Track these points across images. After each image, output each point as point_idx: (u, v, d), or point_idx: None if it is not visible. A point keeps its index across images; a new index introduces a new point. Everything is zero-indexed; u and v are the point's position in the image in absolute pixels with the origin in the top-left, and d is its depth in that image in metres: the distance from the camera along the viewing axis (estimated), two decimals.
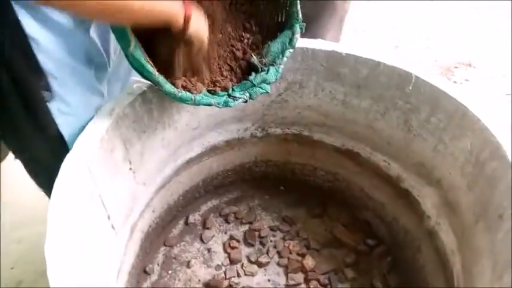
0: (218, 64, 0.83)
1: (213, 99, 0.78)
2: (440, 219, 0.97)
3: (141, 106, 0.83)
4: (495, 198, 0.79)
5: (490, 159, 0.80)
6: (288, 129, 1.15)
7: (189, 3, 0.66)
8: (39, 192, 1.20)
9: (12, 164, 1.29)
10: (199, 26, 0.69)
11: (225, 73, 0.84)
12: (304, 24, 0.83)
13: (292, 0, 0.82)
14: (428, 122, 0.93)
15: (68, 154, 0.69)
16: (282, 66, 0.84)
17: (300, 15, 0.83)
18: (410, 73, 0.91)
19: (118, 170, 0.83)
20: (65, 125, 0.72)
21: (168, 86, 0.71)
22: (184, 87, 0.76)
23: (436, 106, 0.90)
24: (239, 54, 0.86)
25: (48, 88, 0.66)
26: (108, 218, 0.82)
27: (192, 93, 0.76)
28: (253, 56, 0.84)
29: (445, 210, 0.95)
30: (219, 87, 0.81)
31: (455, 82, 2.06)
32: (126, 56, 0.68)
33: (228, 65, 0.84)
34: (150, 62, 0.68)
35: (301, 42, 0.92)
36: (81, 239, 0.69)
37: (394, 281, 1.10)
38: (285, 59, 0.84)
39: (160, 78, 0.70)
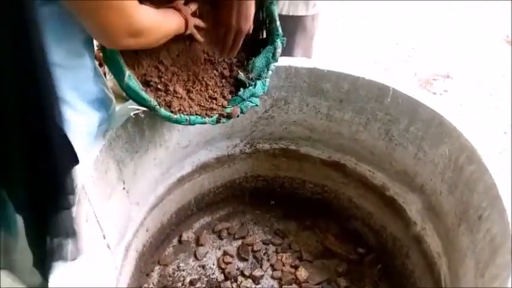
0: (211, 88, 0.87)
1: (207, 118, 0.82)
2: (425, 224, 1.01)
3: (133, 127, 0.86)
4: (474, 200, 0.83)
5: (467, 163, 0.85)
6: (276, 144, 1.19)
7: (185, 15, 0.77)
8: None
9: None
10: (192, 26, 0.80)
11: (216, 95, 0.87)
12: (285, 38, 0.88)
13: (271, 18, 0.87)
14: (408, 131, 0.98)
15: None
16: (268, 80, 0.89)
17: (280, 30, 0.88)
18: (388, 86, 0.96)
19: (112, 190, 0.85)
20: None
21: (163, 110, 0.75)
22: (180, 110, 0.79)
23: (414, 116, 0.95)
24: (226, 72, 0.90)
25: None
26: (104, 237, 0.83)
27: (185, 114, 0.79)
28: (240, 73, 0.88)
29: (429, 215, 0.99)
30: (215, 110, 0.84)
31: (434, 93, 2.14)
32: (121, 86, 0.72)
33: (219, 86, 0.88)
34: (144, 89, 0.72)
35: (284, 60, 0.97)
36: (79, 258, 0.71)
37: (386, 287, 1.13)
38: (270, 72, 0.89)
39: (155, 104, 0.74)
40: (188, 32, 0.79)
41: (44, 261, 0.66)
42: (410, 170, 1.02)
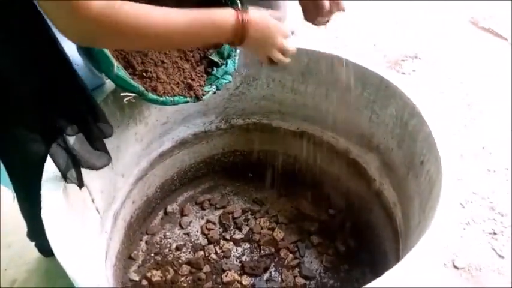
0: (188, 70, 0.97)
1: (188, 98, 0.93)
2: (383, 179, 1.13)
3: (113, 103, 0.97)
4: (417, 149, 0.95)
5: (410, 118, 0.97)
6: (249, 119, 1.30)
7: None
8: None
9: None
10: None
11: (194, 76, 0.98)
12: None
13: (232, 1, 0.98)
14: (362, 96, 1.09)
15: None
16: (237, 58, 1.01)
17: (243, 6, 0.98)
18: (341, 57, 1.07)
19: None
20: None
21: (150, 94, 0.86)
22: (164, 92, 0.90)
23: (365, 82, 1.07)
24: (200, 56, 1.01)
25: None
26: (93, 201, 0.94)
27: (170, 96, 0.90)
28: (214, 54, 1.00)
29: (385, 170, 1.11)
30: (195, 89, 0.95)
31: (403, 73, 2.26)
32: (110, 77, 0.82)
33: (194, 68, 0.99)
34: (133, 77, 0.82)
35: None
36: (73, 217, 0.81)
37: (354, 243, 1.25)
38: (237, 51, 1.00)
39: (143, 89, 0.85)
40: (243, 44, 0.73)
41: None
42: (367, 132, 1.13)
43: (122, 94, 0.87)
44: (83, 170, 0.82)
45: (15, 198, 0.99)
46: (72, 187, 0.81)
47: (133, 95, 0.86)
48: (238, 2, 0.95)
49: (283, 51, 0.81)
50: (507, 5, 2.59)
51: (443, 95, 2.02)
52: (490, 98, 1.98)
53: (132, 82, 0.84)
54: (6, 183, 0.91)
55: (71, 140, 0.80)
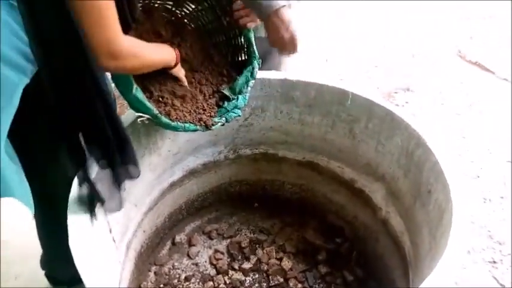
0: (200, 102, 1.03)
1: (198, 126, 0.97)
2: (389, 208, 1.16)
3: (132, 135, 0.99)
4: (423, 178, 0.99)
5: (416, 148, 1.02)
6: (256, 149, 1.34)
7: (177, 53, 0.94)
8: (28, 232, 1.30)
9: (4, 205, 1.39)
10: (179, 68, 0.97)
11: (205, 107, 1.03)
12: (261, 60, 1.06)
13: (249, 43, 1.05)
14: (367, 128, 1.15)
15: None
16: (247, 94, 1.07)
17: (257, 53, 1.06)
18: (348, 91, 1.13)
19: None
20: None
21: (163, 118, 0.90)
22: (176, 118, 0.95)
23: (371, 114, 1.12)
24: (213, 89, 1.07)
25: None
26: (110, 231, 0.95)
27: (181, 122, 0.94)
28: (225, 89, 1.05)
29: (391, 199, 1.15)
30: (205, 119, 1.00)
31: (397, 105, 2.35)
32: (127, 97, 0.86)
33: (206, 100, 1.04)
34: (149, 100, 0.87)
35: (259, 74, 1.14)
36: (92, 245, 0.82)
37: (361, 271, 1.26)
38: (249, 88, 1.07)
39: (157, 112, 0.89)
40: (176, 69, 0.94)
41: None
42: (373, 162, 1.18)
43: (136, 114, 0.91)
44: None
45: (35, 223, 0.99)
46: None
47: (148, 116, 0.90)
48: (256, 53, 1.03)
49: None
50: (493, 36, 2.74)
51: (438, 125, 2.10)
52: (485, 128, 2.06)
53: (148, 104, 0.88)
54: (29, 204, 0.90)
55: (93, 173, 0.82)
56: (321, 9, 2.90)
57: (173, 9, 1.05)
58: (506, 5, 3.06)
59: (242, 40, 1.08)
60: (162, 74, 0.95)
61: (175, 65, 0.94)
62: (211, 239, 1.35)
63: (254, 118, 1.25)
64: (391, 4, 3.05)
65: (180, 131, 0.95)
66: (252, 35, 1.06)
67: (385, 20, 2.93)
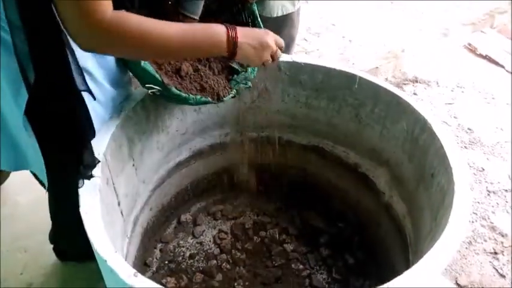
0: (211, 76, 1.04)
1: (209, 98, 0.99)
2: (392, 193, 1.17)
3: (141, 110, 1.02)
4: (427, 162, 1.00)
5: (421, 133, 1.03)
6: (262, 132, 1.35)
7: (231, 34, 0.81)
8: (34, 207, 1.33)
9: (8, 181, 1.42)
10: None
11: (216, 80, 1.04)
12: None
13: (254, 16, 1.07)
14: (373, 112, 1.15)
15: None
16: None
17: (262, 26, 1.06)
18: (355, 74, 1.14)
19: (124, 164, 1.00)
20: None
21: (174, 89, 0.91)
22: (187, 90, 0.96)
23: (377, 99, 1.13)
24: (222, 64, 1.08)
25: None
26: (119, 204, 0.97)
27: (193, 94, 0.95)
28: (235, 63, 1.06)
29: (395, 184, 1.16)
30: (216, 91, 1.01)
31: None
32: (135, 70, 0.87)
33: (216, 74, 1.05)
34: (159, 72, 0.88)
35: None
36: (101, 216, 0.84)
37: (363, 255, 1.28)
38: None
39: (168, 82, 0.90)
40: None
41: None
42: (378, 146, 1.19)
43: (146, 86, 0.90)
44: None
45: (48, 197, 1.01)
46: (104, 188, 0.85)
47: (158, 88, 0.90)
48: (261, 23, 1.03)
49: (274, 57, 0.90)
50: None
51: (445, 118, 2.10)
52: (492, 121, 2.06)
53: (157, 75, 0.88)
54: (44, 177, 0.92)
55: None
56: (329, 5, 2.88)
57: None
58: None
59: (246, 15, 1.08)
60: None
61: (230, 52, 0.79)
62: (215, 219, 1.37)
63: (261, 100, 1.27)
64: None
65: (191, 102, 0.95)
66: (255, 8, 1.07)
67: (391, 12, 2.92)
